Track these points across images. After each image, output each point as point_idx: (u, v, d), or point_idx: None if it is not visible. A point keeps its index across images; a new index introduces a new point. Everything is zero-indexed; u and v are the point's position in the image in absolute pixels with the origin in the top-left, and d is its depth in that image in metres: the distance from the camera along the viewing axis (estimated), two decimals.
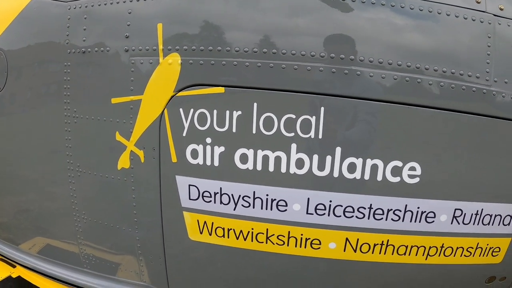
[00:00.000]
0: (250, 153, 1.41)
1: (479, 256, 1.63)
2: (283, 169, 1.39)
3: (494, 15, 1.43)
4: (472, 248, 1.60)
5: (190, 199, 1.52)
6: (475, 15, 1.41)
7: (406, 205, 1.44)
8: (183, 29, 1.45)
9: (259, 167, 1.40)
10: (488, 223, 1.57)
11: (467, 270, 1.63)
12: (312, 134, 1.36)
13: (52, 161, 1.80)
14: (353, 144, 1.37)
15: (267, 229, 1.47)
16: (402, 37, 1.42)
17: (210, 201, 1.49)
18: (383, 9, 1.35)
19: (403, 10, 1.38)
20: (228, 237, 1.53)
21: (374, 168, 1.37)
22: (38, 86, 1.80)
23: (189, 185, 1.50)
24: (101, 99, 1.59)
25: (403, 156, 1.38)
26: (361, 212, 1.43)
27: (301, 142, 1.37)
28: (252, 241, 1.51)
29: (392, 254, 1.52)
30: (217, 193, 1.48)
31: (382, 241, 1.48)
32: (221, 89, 1.44)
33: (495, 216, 1.57)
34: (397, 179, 1.39)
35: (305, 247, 1.48)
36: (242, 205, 1.46)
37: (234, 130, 1.41)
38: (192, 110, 1.46)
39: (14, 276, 2.47)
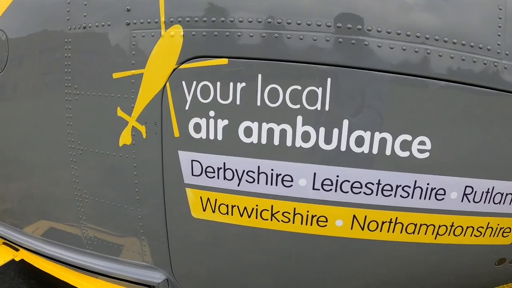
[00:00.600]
0: (254, 126, 1.33)
1: (490, 236, 1.55)
2: (289, 143, 1.31)
3: None
4: (483, 228, 1.51)
5: (193, 175, 1.44)
6: None
7: (415, 181, 1.35)
8: (185, 0, 1.40)
9: (263, 141, 1.33)
10: (499, 202, 1.48)
11: (477, 251, 1.55)
12: (318, 106, 1.29)
13: (53, 140, 1.74)
14: (361, 117, 1.29)
15: (272, 206, 1.40)
16: (412, 7, 1.34)
17: (214, 176, 1.42)
18: None
19: None
20: (232, 215, 1.46)
21: (383, 142, 1.29)
22: (39, 64, 1.74)
23: (192, 161, 1.43)
24: (102, 75, 1.52)
25: (412, 130, 1.30)
26: (369, 188, 1.35)
27: (307, 115, 1.29)
28: (256, 218, 1.43)
29: (401, 232, 1.44)
30: (221, 168, 1.41)
31: (391, 219, 1.40)
32: (224, 61, 1.37)
33: (507, 194, 1.48)
34: (406, 153, 1.31)
35: (311, 224, 1.41)
36: (247, 180, 1.39)
37: (238, 103, 1.33)
38: (195, 83, 1.38)
39: (17, 259, 2.42)
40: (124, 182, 1.58)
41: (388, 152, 1.31)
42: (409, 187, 1.37)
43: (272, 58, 1.32)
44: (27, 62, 1.76)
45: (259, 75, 1.32)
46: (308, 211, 1.39)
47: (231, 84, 1.34)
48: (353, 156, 1.31)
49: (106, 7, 1.50)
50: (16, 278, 2.53)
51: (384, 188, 1.36)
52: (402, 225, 1.43)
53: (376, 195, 1.36)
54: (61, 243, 1.95)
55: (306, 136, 1.31)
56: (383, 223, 1.41)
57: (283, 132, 1.32)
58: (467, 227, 1.50)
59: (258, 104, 1.32)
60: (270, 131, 1.33)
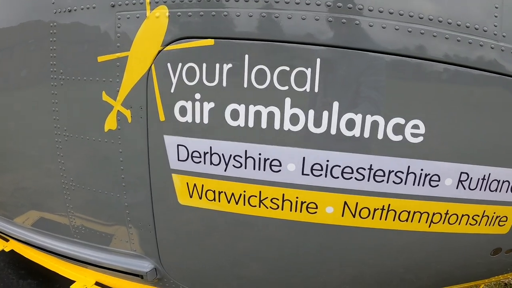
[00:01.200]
0: (241, 108, 1.26)
1: (485, 225, 1.47)
2: (277, 126, 1.24)
3: None
4: (478, 216, 1.43)
5: (179, 160, 1.38)
6: None
7: (408, 167, 1.28)
8: None
9: (251, 124, 1.26)
10: (496, 190, 1.40)
11: (472, 240, 1.47)
12: (307, 87, 1.21)
13: (39, 127, 1.67)
14: (352, 99, 1.22)
15: (260, 192, 1.33)
16: None
17: (200, 161, 1.35)
18: None
19: None
20: (219, 201, 1.38)
21: (375, 125, 1.22)
22: (25, 49, 1.67)
23: (178, 145, 1.36)
24: (88, 59, 1.45)
25: (405, 113, 1.22)
26: (360, 174, 1.27)
27: (296, 96, 1.21)
28: (244, 205, 1.36)
29: (394, 220, 1.36)
30: (207, 153, 1.34)
31: (383, 206, 1.32)
32: (210, 41, 1.30)
33: (503, 182, 1.40)
34: (399, 137, 1.23)
35: (300, 211, 1.34)
36: (233, 165, 1.32)
37: (224, 85, 1.26)
38: (180, 65, 1.31)
39: (7, 250, 2.38)
40: (110, 169, 1.51)
41: (380, 136, 1.23)
42: (402, 172, 1.29)
43: (260, 38, 1.24)
44: (12, 47, 1.70)
45: (246, 56, 1.25)
46: (297, 198, 1.32)
47: (217, 65, 1.27)
48: (343, 140, 1.23)
49: None
50: (6, 269, 2.49)
51: (376, 174, 1.28)
52: (395, 212, 1.35)
53: (368, 180, 1.28)
54: (50, 232, 1.89)
55: (294, 119, 1.24)
56: (375, 210, 1.33)
57: (270, 115, 1.25)
58: (462, 215, 1.42)
59: (245, 86, 1.25)
60: (258, 114, 1.26)
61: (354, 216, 1.34)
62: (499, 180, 1.41)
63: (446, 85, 1.28)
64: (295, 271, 1.55)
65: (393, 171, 1.29)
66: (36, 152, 1.76)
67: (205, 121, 1.32)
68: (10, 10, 1.69)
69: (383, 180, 1.29)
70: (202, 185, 1.39)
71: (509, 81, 1.31)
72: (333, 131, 1.23)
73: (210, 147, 1.34)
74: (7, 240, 2.36)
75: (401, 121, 1.24)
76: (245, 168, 1.32)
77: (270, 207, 1.35)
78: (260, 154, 1.29)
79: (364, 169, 1.27)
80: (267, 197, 1.34)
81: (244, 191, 1.35)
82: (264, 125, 1.26)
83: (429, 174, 1.32)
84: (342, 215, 1.34)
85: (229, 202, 1.38)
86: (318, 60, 1.22)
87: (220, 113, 1.29)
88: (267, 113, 1.25)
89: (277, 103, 1.24)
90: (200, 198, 1.41)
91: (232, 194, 1.36)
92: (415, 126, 1.26)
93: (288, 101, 1.24)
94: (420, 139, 1.27)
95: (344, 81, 1.23)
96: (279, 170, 1.30)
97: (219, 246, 1.52)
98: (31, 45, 1.63)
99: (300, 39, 1.23)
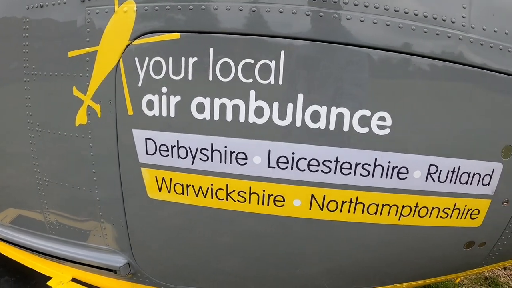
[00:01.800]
0: (206, 101, 1.26)
1: (457, 218, 1.46)
2: (242, 119, 1.24)
3: None
4: (449, 209, 1.43)
5: (147, 154, 1.37)
6: None
7: (375, 159, 1.27)
8: None
9: (216, 117, 1.26)
10: (466, 182, 1.40)
11: (444, 234, 1.46)
12: (271, 80, 1.21)
13: (13, 123, 1.66)
14: (317, 91, 1.22)
15: (227, 185, 1.32)
16: None
17: (168, 155, 1.35)
18: None
19: None
20: (188, 194, 1.38)
21: (340, 117, 1.22)
22: None
23: (146, 139, 1.35)
24: (59, 54, 1.44)
25: (371, 104, 1.22)
26: (326, 166, 1.27)
27: (260, 89, 1.21)
28: (212, 198, 1.36)
29: (362, 213, 1.36)
30: (174, 146, 1.33)
31: (351, 199, 1.32)
32: (176, 35, 1.30)
33: (474, 174, 1.40)
34: (365, 129, 1.23)
35: (267, 204, 1.33)
36: (200, 158, 1.32)
37: (190, 78, 1.26)
38: (147, 59, 1.31)
39: None
40: (82, 164, 1.50)
41: (346, 128, 1.23)
42: (369, 165, 1.28)
43: (224, 31, 1.24)
44: None
45: (211, 49, 1.24)
46: (264, 190, 1.31)
47: (183, 59, 1.27)
48: (309, 132, 1.23)
49: None
50: None
51: (343, 166, 1.28)
52: (364, 205, 1.34)
53: (335, 173, 1.28)
54: (26, 229, 1.88)
55: (259, 112, 1.24)
56: (343, 203, 1.33)
57: (235, 108, 1.25)
58: (433, 208, 1.41)
59: (210, 79, 1.25)
60: (223, 107, 1.26)
61: (322, 209, 1.34)
62: (470, 173, 1.40)
63: (413, 77, 1.28)
64: (268, 264, 1.55)
65: (360, 163, 1.28)
66: (11, 148, 1.75)
67: (172, 114, 1.32)
68: None
69: (350, 173, 1.29)
70: (171, 179, 1.39)
71: (478, 73, 1.33)
72: (298, 123, 1.23)
73: (177, 141, 1.33)
74: None
75: (367, 113, 1.24)
76: (212, 161, 1.32)
77: (238, 200, 1.35)
78: (226, 147, 1.29)
79: (331, 162, 1.27)
80: (234, 190, 1.34)
81: (212, 184, 1.34)
82: (229, 118, 1.26)
83: (397, 167, 1.31)
84: (310, 208, 1.33)
85: (197, 195, 1.38)
86: (283, 52, 1.22)
87: (186, 107, 1.29)
88: (232, 106, 1.25)
89: (241, 95, 1.24)
90: (169, 191, 1.41)
91: (200, 187, 1.36)
92: (382, 118, 1.25)
93: (252, 93, 1.24)
94: (387, 131, 1.26)
95: (309, 73, 1.23)
96: (245, 163, 1.29)
97: (190, 240, 1.51)
98: (4, 41, 1.64)
99: (264, 31, 1.22)
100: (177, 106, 1.30)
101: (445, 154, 1.34)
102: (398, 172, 1.31)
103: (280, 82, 1.22)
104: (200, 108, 1.28)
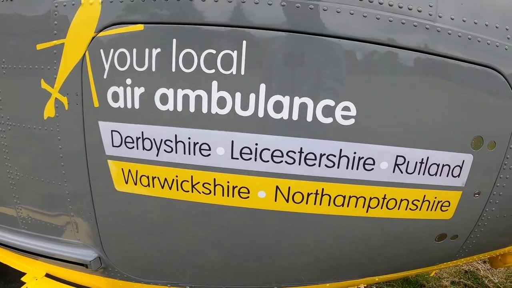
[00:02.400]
0: (170, 93, 1.27)
1: (427, 210, 1.46)
2: (205, 110, 1.24)
3: None
4: (418, 201, 1.43)
5: (113, 146, 1.38)
6: None
7: (340, 150, 1.27)
8: None
9: (179, 108, 1.26)
10: (435, 174, 1.40)
11: (414, 226, 1.46)
12: (233, 70, 1.21)
13: None
14: (279, 80, 1.22)
15: (191, 176, 1.33)
16: None
17: (133, 147, 1.35)
18: None
19: None
20: (154, 187, 1.39)
21: (303, 107, 1.22)
22: None
23: (112, 131, 1.36)
24: (28, 47, 1.45)
25: (335, 94, 1.23)
26: (290, 157, 1.27)
27: (222, 79, 1.21)
28: (177, 190, 1.37)
29: (329, 205, 1.36)
30: (139, 138, 1.34)
31: (317, 190, 1.32)
32: (140, 27, 1.30)
33: (443, 166, 1.40)
34: (329, 120, 1.23)
35: (232, 196, 1.33)
36: (165, 150, 1.32)
37: (153, 69, 1.27)
38: (112, 51, 1.32)
39: None
40: (51, 157, 1.51)
41: (309, 118, 1.24)
42: (334, 156, 1.29)
43: (187, 22, 1.25)
44: None
45: (174, 40, 1.26)
46: (228, 182, 1.31)
47: (147, 50, 1.27)
48: (272, 122, 1.23)
49: None
50: None
51: (307, 157, 1.28)
52: (330, 197, 1.34)
53: (299, 164, 1.29)
54: (1, 225, 1.93)
55: (222, 102, 1.24)
56: (308, 194, 1.33)
57: (198, 99, 1.25)
58: (401, 200, 1.41)
59: (173, 70, 1.25)
60: (186, 98, 1.26)
61: (287, 201, 1.34)
62: (439, 164, 1.40)
63: (378, 66, 1.28)
64: (237, 257, 1.54)
65: (324, 154, 1.28)
66: None
67: (136, 106, 1.32)
68: None
69: (314, 164, 1.29)
70: (136, 171, 1.40)
71: (446, 63, 1.33)
72: (260, 114, 1.23)
73: (142, 132, 1.34)
74: None
75: (331, 103, 1.24)
76: (176, 152, 1.33)
77: (203, 192, 1.35)
78: (189, 138, 1.30)
79: (295, 153, 1.27)
80: (199, 182, 1.34)
81: (177, 176, 1.35)
82: (192, 109, 1.26)
83: (362, 158, 1.31)
84: (275, 200, 1.34)
85: (162, 187, 1.38)
86: (244, 42, 1.23)
87: (150, 98, 1.29)
88: (195, 96, 1.26)
89: (204, 86, 1.24)
90: (135, 184, 1.42)
91: (165, 179, 1.36)
92: (346, 108, 1.26)
93: (215, 84, 1.24)
94: (352, 121, 1.26)
95: (271, 63, 1.24)
96: (209, 154, 1.30)
97: (158, 234, 1.52)
98: None
99: (226, 21, 1.23)
100: (141, 98, 1.30)
101: (413, 145, 1.33)
102: (364, 163, 1.31)
103: (242, 72, 1.23)
104: (164, 99, 1.28)
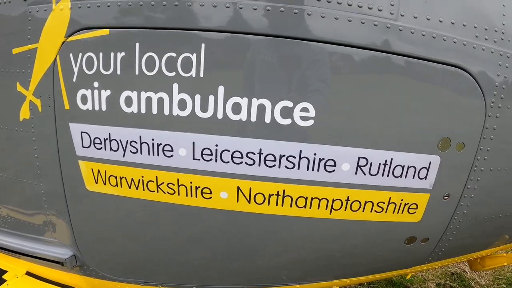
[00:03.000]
0: (134, 95, 1.34)
1: (393, 213, 1.48)
2: (166, 111, 1.31)
3: None
4: (384, 203, 1.45)
5: (83, 147, 1.47)
6: None
7: (300, 151, 1.32)
8: None
9: (143, 110, 1.33)
10: (400, 175, 1.42)
11: (381, 228, 1.49)
12: (193, 72, 1.28)
13: None
14: (237, 83, 1.28)
15: (156, 177, 1.40)
16: None
17: (101, 148, 1.44)
18: None
19: None
20: (121, 186, 1.47)
21: (261, 108, 1.27)
22: None
23: (81, 132, 1.45)
24: (3, 51, 1.56)
25: (293, 95, 1.27)
26: (250, 158, 1.33)
27: (183, 82, 1.28)
28: (143, 190, 1.44)
29: (291, 206, 1.41)
30: (107, 139, 1.42)
31: (278, 191, 1.37)
32: (106, 31, 1.38)
33: (408, 167, 1.42)
34: (288, 121, 1.28)
35: (196, 196, 1.40)
36: (130, 151, 1.40)
37: (118, 72, 1.35)
38: (80, 55, 1.41)
39: None
40: (27, 157, 1.61)
41: (267, 119, 1.28)
42: (294, 157, 1.34)
43: (149, 26, 1.32)
44: None
45: (137, 44, 1.33)
46: (191, 182, 1.38)
47: (112, 54, 1.36)
48: (230, 124, 1.29)
49: None
50: None
51: (267, 158, 1.33)
52: (291, 198, 1.39)
53: (259, 165, 1.34)
54: None
55: (182, 104, 1.31)
56: (270, 195, 1.38)
57: (160, 101, 1.33)
58: (366, 202, 1.44)
59: (137, 73, 1.33)
60: (149, 100, 1.33)
61: (249, 201, 1.39)
62: (404, 166, 1.42)
63: (337, 67, 1.32)
64: (205, 258, 1.61)
65: (284, 155, 1.33)
66: None
67: (103, 108, 1.41)
68: None
69: (274, 165, 1.34)
70: (105, 171, 1.48)
71: (408, 62, 1.34)
72: (219, 115, 1.29)
73: (109, 134, 1.42)
74: None
75: (289, 104, 1.29)
76: (141, 153, 1.40)
77: (167, 192, 1.43)
78: (153, 139, 1.37)
79: (254, 154, 1.32)
80: (163, 182, 1.41)
81: (142, 176, 1.43)
82: (155, 111, 1.33)
83: (323, 159, 1.35)
84: (237, 201, 1.39)
85: (130, 187, 1.46)
86: (203, 45, 1.29)
87: (116, 100, 1.38)
88: (157, 99, 1.33)
89: (165, 89, 1.31)
90: (105, 184, 1.50)
91: (132, 179, 1.44)
92: (304, 109, 1.30)
93: (176, 86, 1.31)
94: (311, 122, 1.31)
95: (229, 65, 1.30)
96: (172, 155, 1.37)
97: (128, 233, 1.59)
98: None
99: (185, 25, 1.30)
100: (108, 100, 1.39)
101: (375, 146, 1.36)
102: (325, 165, 1.35)
103: (201, 75, 1.29)
104: (128, 101, 1.36)
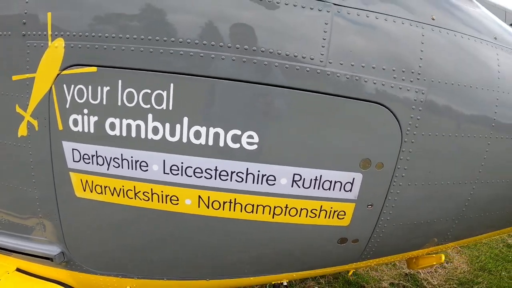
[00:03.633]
0: (117, 121, 1.90)
1: (325, 218, 2.07)
2: (143, 135, 1.88)
3: (334, 4, 1.85)
4: (316, 210, 2.04)
5: (74, 161, 2.02)
6: (313, 5, 1.84)
7: (247, 168, 1.90)
8: (67, 18, 1.95)
9: (124, 134, 1.90)
10: (329, 188, 2.01)
11: (316, 231, 2.08)
12: (164, 106, 1.85)
13: None
14: (198, 114, 1.85)
15: (134, 186, 1.97)
16: (241, 20, 1.83)
17: (89, 162, 2.00)
18: None
19: None
20: (105, 194, 2.03)
21: (216, 135, 1.85)
22: None
23: (73, 149, 2.01)
24: (4, 77, 2.10)
25: (241, 125, 1.85)
26: (208, 173, 1.91)
27: (156, 113, 1.85)
28: (124, 197, 2.00)
29: (241, 211, 1.99)
30: (94, 155, 1.98)
31: (230, 200, 1.96)
32: (94, 69, 1.92)
33: (335, 182, 2.01)
34: (237, 145, 1.86)
35: (166, 202, 1.97)
36: (113, 165, 1.96)
37: (104, 103, 1.90)
38: (72, 86, 1.96)
39: None
40: (23, 168, 2.16)
41: (221, 144, 1.86)
42: (242, 173, 1.91)
43: (129, 67, 1.87)
44: None
45: (120, 81, 1.88)
46: (162, 191, 1.96)
47: (99, 87, 1.91)
48: (193, 146, 1.87)
49: (7, 19, 2.05)
50: None
51: (221, 174, 1.91)
52: (241, 205, 1.97)
53: (215, 179, 1.91)
54: None
55: (155, 130, 1.87)
56: (224, 203, 1.96)
57: (138, 127, 1.88)
58: (301, 209, 2.03)
59: (119, 104, 1.89)
60: (129, 126, 1.90)
61: (208, 207, 1.97)
62: (331, 181, 2.00)
63: (277, 103, 1.88)
64: (173, 253, 2.17)
65: (234, 171, 1.91)
66: None
67: (92, 130, 1.96)
68: None
69: (227, 179, 1.92)
70: (92, 181, 2.04)
71: (334, 99, 1.90)
72: (184, 140, 1.87)
73: (96, 151, 1.98)
74: None
75: (238, 132, 1.86)
76: (122, 168, 1.96)
77: (143, 199, 1.99)
78: (132, 157, 1.93)
79: (211, 170, 1.90)
80: (140, 191, 1.98)
81: (123, 186, 1.99)
82: (134, 134, 1.90)
83: (265, 175, 1.93)
84: (199, 206, 1.97)
85: (112, 194, 2.02)
86: (172, 84, 1.84)
87: (102, 125, 1.93)
88: (135, 125, 1.89)
89: (142, 117, 1.87)
90: (91, 191, 2.05)
91: (114, 188, 2.01)
92: (250, 137, 1.87)
93: (150, 116, 1.87)
94: (255, 146, 1.88)
95: (192, 100, 1.86)
96: (147, 169, 1.93)
97: (110, 232, 2.17)
98: None
99: (159, 68, 1.85)
100: (95, 124, 1.94)
101: (307, 165, 1.94)
102: (267, 179, 1.93)
103: (170, 108, 1.85)
104: (112, 126, 1.92)
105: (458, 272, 4.26)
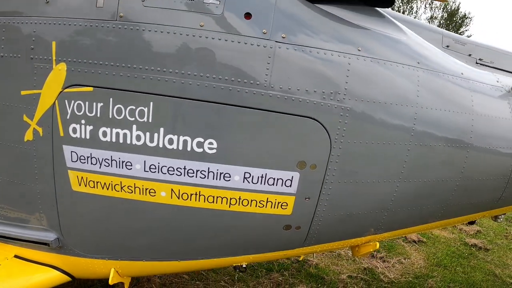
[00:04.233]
0: (108, 130, 2.74)
1: (271, 208, 2.93)
2: (128, 141, 2.72)
3: (276, 41, 2.75)
4: (264, 201, 2.90)
5: (72, 161, 2.84)
6: (260, 42, 2.73)
7: (208, 168, 2.76)
8: (68, 48, 2.78)
9: (114, 140, 2.73)
10: (273, 184, 2.88)
11: (264, 218, 2.94)
12: (145, 119, 2.69)
13: None
14: (171, 126, 2.70)
15: (121, 182, 2.80)
16: (208, 56, 2.72)
17: (85, 162, 2.82)
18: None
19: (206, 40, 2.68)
20: (97, 188, 2.84)
21: (185, 142, 2.71)
22: None
23: (71, 151, 2.83)
24: (14, 92, 2.92)
25: (204, 134, 2.71)
26: (179, 171, 2.75)
27: (139, 124, 2.69)
28: (112, 190, 2.83)
29: (205, 201, 2.84)
30: (89, 157, 2.80)
31: (196, 192, 2.80)
32: (90, 89, 2.76)
33: (278, 179, 2.88)
34: (201, 150, 2.72)
35: (146, 194, 2.81)
36: (104, 165, 2.79)
37: (98, 115, 2.74)
38: (72, 101, 2.78)
39: None
40: (28, 166, 2.97)
41: (189, 148, 2.72)
42: (205, 171, 2.77)
43: (118, 88, 2.72)
44: None
45: (111, 99, 2.72)
46: (143, 185, 2.79)
47: (94, 103, 2.74)
48: (167, 150, 2.71)
49: (18, 43, 2.89)
50: None
51: (189, 171, 2.76)
52: (204, 196, 2.82)
53: (184, 176, 2.76)
54: None
55: (138, 137, 2.72)
56: (191, 194, 2.81)
57: (125, 135, 2.72)
58: (252, 200, 2.89)
59: (110, 116, 2.72)
60: (117, 134, 2.73)
61: (178, 198, 2.81)
62: (275, 178, 2.87)
63: (231, 117, 2.74)
64: (152, 236, 2.99)
65: (199, 170, 2.76)
66: None
67: (87, 137, 2.78)
68: None
69: (193, 176, 2.76)
70: (86, 177, 2.85)
71: (276, 115, 2.77)
72: (161, 145, 2.71)
73: (90, 153, 2.80)
74: None
75: (201, 139, 2.71)
76: (111, 167, 2.78)
77: (128, 191, 2.82)
78: (119, 158, 2.76)
79: (181, 169, 2.75)
80: (125, 185, 2.81)
81: (111, 181, 2.81)
82: (121, 140, 2.73)
83: (223, 173, 2.78)
84: (171, 198, 2.81)
85: (102, 188, 2.84)
86: (151, 102, 2.68)
87: (96, 133, 2.76)
88: (122, 133, 2.73)
89: (128, 128, 2.71)
90: (86, 186, 2.86)
91: (105, 183, 2.83)
92: (210, 143, 2.73)
93: (134, 126, 2.71)
94: (214, 151, 2.74)
95: (166, 114, 2.70)
96: (131, 168, 2.77)
97: (101, 220, 2.98)
98: None
99: (141, 89, 2.69)
100: (91, 132, 2.76)
101: (255, 165, 2.80)
102: (224, 176, 2.78)
103: (150, 120, 2.69)
104: (104, 134, 2.75)
105: (415, 267, 5.18)
